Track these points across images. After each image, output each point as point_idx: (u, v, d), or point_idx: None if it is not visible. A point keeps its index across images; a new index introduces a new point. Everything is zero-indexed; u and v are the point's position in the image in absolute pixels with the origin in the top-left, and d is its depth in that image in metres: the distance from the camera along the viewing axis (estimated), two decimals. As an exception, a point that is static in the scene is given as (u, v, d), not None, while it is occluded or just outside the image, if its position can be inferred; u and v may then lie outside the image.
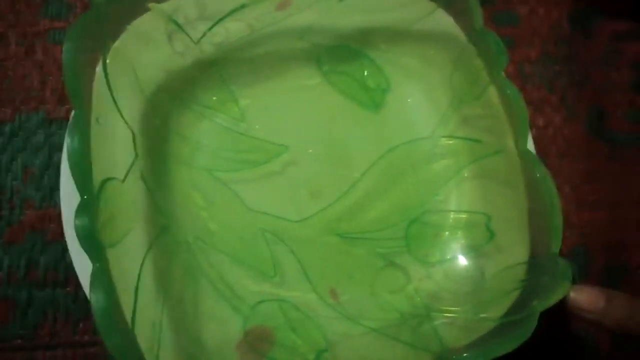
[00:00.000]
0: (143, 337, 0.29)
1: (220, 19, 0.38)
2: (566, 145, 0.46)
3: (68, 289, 0.38)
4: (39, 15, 0.44)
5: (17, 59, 0.43)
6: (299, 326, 0.35)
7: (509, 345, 0.30)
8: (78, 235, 0.27)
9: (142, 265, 0.32)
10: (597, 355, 0.41)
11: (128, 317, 0.29)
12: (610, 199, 0.45)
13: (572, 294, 0.32)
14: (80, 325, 0.38)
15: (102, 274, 0.28)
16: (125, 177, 0.33)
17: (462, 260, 0.38)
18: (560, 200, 0.33)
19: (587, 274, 0.43)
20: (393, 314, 0.37)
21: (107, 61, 0.33)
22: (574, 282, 0.31)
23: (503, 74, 0.36)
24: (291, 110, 0.41)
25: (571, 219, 0.44)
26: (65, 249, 0.38)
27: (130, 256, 0.31)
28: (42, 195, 0.40)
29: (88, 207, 0.28)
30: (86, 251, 0.28)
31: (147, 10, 0.36)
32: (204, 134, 0.39)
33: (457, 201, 0.40)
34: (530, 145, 0.38)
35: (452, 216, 0.40)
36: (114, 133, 0.34)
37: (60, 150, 0.40)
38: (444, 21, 0.39)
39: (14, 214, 0.39)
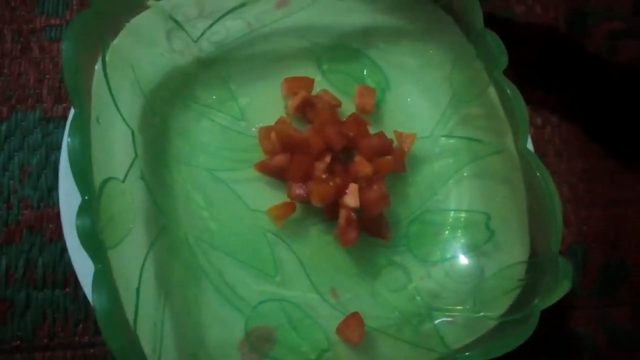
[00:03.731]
0: (145, 338, 0.29)
1: (220, 17, 0.38)
2: (563, 144, 0.46)
3: (67, 289, 0.38)
4: (34, 12, 0.44)
5: (12, 56, 0.42)
6: (301, 325, 0.35)
7: (511, 344, 0.30)
8: (79, 236, 0.27)
9: (143, 265, 0.32)
10: (595, 353, 0.41)
11: (130, 318, 0.29)
12: (607, 197, 0.45)
13: None
14: (80, 326, 0.37)
15: (104, 275, 0.27)
16: (125, 176, 0.33)
17: (463, 259, 0.38)
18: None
19: (585, 272, 0.43)
20: (394, 313, 0.37)
21: (107, 59, 0.33)
22: (573, 280, 0.32)
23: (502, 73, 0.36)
24: (290, 109, 0.41)
25: (569, 217, 0.44)
26: (64, 249, 0.38)
27: (131, 256, 0.31)
28: (40, 195, 0.40)
29: (89, 207, 0.28)
30: (88, 252, 0.27)
31: (146, 7, 0.36)
32: (204, 133, 0.39)
33: (457, 200, 0.40)
34: (529, 145, 0.38)
35: (452, 215, 0.40)
36: (114, 132, 0.33)
37: (57, 149, 0.40)
38: (444, 21, 0.39)
39: (11, 214, 0.39)
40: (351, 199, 0.36)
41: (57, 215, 0.36)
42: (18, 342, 0.37)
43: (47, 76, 0.42)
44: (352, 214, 0.36)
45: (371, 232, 0.38)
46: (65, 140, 0.35)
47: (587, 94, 0.47)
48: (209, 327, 0.34)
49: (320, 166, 0.37)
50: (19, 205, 0.39)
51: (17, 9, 0.43)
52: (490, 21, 0.36)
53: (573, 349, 0.41)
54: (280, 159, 0.38)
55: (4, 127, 0.41)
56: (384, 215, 0.38)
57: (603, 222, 0.45)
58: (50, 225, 0.39)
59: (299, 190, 0.37)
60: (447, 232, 0.39)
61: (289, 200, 0.38)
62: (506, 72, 0.36)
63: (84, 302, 0.38)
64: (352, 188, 0.36)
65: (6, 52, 0.42)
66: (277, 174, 0.38)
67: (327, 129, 0.38)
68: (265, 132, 0.39)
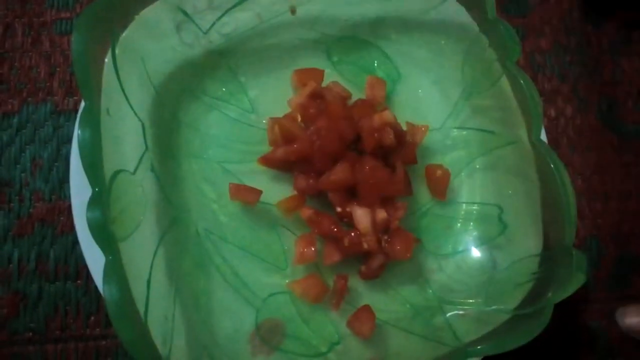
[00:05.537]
0: (156, 330, 0.29)
1: (229, 9, 0.38)
2: (577, 136, 0.45)
3: (78, 282, 0.38)
4: (45, 5, 0.44)
5: (23, 50, 0.42)
6: (311, 318, 0.35)
7: (524, 337, 0.30)
8: (90, 228, 0.27)
9: (153, 257, 0.32)
10: (608, 347, 0.41)
11: (141, 310, 0.28)
12: (621, 190, 0.45)
13: (627, 320, 0.33)
14: (91, 318, 0.38)
15: (115, 267, 0.27)
16: (136, 169, 0.33)
17: (475, 252, 0.38)
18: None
19: (599, 265, 0.43)
20: (405, 306, 0.37)
21: (116, 52, 0.33)
22: (587, 273, 0.31)
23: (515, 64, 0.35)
24: (300, 101, 0.41)
25: (583, 210, 0.44)
26: (75, 242, 0.38)
27: (142, 248, 0.31)
28: (51, 187, 0.40)
29: (100, 199, 0.28)
30: (99, 244, 0.27)
31: (156, -1, 0.36)
32: (214, 126, 0.39)
33: (469, 193, 0.40)
34: (542, 136, 0.38)
35: (464, 208, 0.39)
36: (124, 124, 0.33)
37: (68, 142, 0.40)
38: (456, 11, 0.38)
39: (23, 207, 0.39)
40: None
41: (69, 207, 0.36)
42: (31, 334, 0.37)
43: (58, 69, 0.42)
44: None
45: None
46: (76, 132, 0.35)
47: (601, 85, 0.47)
48: (220, 319, 0.34)
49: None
50: (31, 198, 0.39)
51: (28, 3, 0.43)
52: (504, 11, 0.35)
53: (586, 342, 0.41)
54: (282, 151, 0.37)
55: (15, 120, 0.41)
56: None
57: (618, 215, 0.44)
58: (62, 218, 0.39)
59: (303, 181, 0.37)
60: (459, 225, 0.39)
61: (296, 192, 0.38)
62: (519, 63, 0.35)
63: (95, 295, 0.38)
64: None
65: (17, 46, 0.42)
66: (281, 167, 0.38)
67: (339, 122, 0.37)
68: (273, 123, 0.39)
